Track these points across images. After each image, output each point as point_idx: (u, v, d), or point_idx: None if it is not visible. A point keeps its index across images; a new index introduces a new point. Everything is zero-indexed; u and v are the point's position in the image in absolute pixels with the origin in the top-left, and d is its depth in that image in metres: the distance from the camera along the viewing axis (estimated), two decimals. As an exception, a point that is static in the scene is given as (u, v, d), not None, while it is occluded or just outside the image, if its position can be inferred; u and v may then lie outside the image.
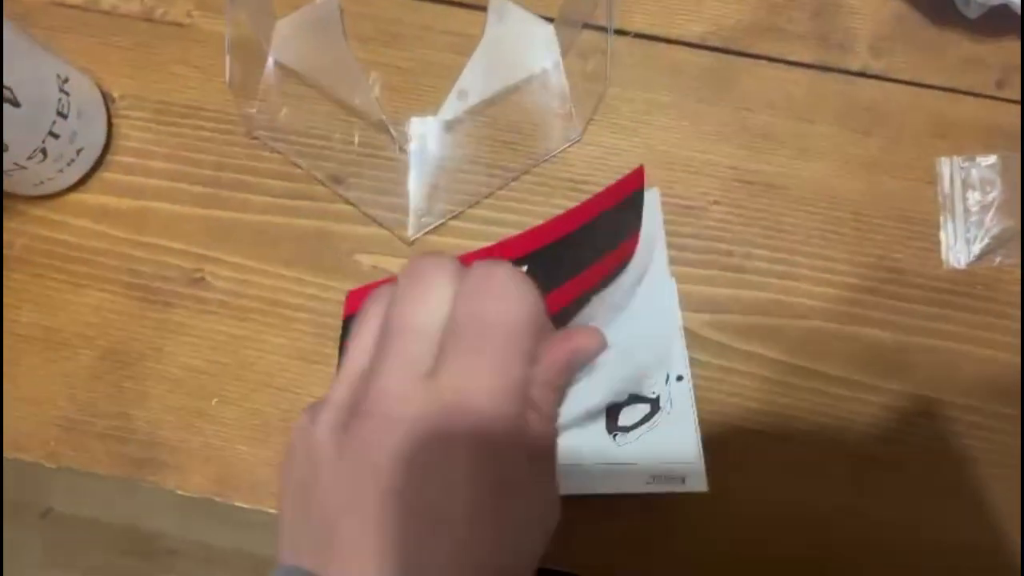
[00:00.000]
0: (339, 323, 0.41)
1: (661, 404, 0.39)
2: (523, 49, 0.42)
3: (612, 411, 0.39)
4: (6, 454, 0.41)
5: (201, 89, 0.43)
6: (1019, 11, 0.40)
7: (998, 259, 0.41)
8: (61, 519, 1.10)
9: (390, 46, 0.43)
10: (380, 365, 0.25)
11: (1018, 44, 0.43)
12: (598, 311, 0.35)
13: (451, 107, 0.41)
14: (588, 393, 0.35)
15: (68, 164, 0.40)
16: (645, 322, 0.38)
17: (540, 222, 0.41)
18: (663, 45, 0.43)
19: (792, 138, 0.42)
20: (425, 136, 0.41)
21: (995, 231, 0.41)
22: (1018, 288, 0.41)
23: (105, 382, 0.41)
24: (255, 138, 0.42)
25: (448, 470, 0.23)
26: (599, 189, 0.42)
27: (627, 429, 0.39)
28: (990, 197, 0.42)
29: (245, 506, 0.40)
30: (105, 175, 0.42)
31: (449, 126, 0.42)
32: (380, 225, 0.41)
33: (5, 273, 0.42)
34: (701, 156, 0.42)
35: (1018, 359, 0.41)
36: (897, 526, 0.40)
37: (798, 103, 0.43)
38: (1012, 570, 0.40)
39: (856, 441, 0.40)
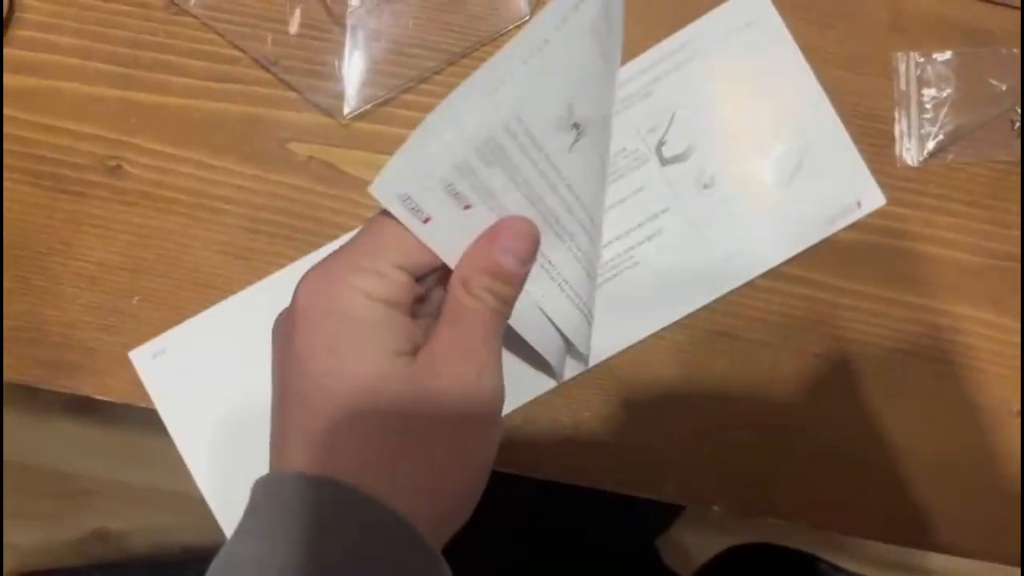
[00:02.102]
0: (271, 216, 0.38)
1: (809, 140, 0.39)
2: (473, -85, 0.39)
3: (766, 171, 0.39)
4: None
5: (114, -43, 0.39)
6: (981, -100, 0.39)
7: (950, 156, 0.41)
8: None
9: (325, -83, 0.40)
10: None
11: (977, -63, 0.42)
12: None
13: (394, -25, 0.38)
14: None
15: (-39, 33, 0.36)
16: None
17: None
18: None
19: (750, 29, 0.41)
20: (363, 8, 0.38)
21: (949, 128, 0.41)
22: (971, 186, 0.41)
23: (13, 279, 0.38)
24: (177, 13, 0.39)
25: None
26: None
27: (788, 180, 0.39)
28: (945, 94, 0.41)
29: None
30: (5, 50, 0.38)
31: (391, -2, 0.39)
32: (316, 107, 0.38)
33: None
34: (654, 46, 0.40)
35: (966, 256, 0.41)
36: (847, 424, 0.40)
37: (756, -8, 0.41)
38: (951, 467, 0.40)
39: (803, 339, 0.40)
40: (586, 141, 0.31)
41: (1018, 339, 0.41)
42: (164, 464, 1.06)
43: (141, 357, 0.37)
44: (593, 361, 0.38)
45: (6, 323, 0.37)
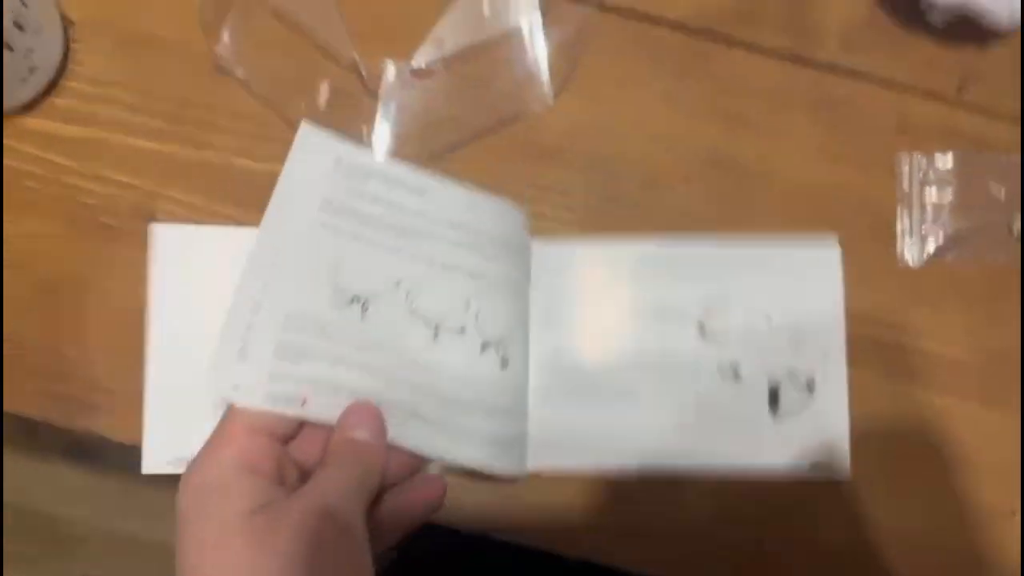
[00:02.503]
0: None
1: (816, 386, 0.40)
2: (504, 4, 0.41)
3: (773, 391, 0.40)
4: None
5: (168, 20, 0.41)
6: (984, 21, 0.42)
7: (950, 257, 0.42)
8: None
9: (367, -5, 0.43)
10: None
11: (977, 52, 0.44)
12: None
13: (425, 53, 0.40)
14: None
15: (20, 82, 0.38)
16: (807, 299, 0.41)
17: (504, 185, 0.41)
18: (642, 24, 0.43)
19: (763, 123, 0.43)
20: (396, 81, 0.41)
21: (949, 230, 0.43)
22: (969, 287, 0.42)
23: (39, 315, 0.39)
24: (221, 75, 0.41)
25: None
26: (568, 158, 0.42)
27: (784, 411, 0.40)
28: (946, 196, 0.43)
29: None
30: (57, 101, 0.40)
31: (421, 74, 0.41)
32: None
33: (-62, 194, 0.39)
34: (673, 133, 0.42)
35: (964, 353, 0.42)
36: (840, 516, 0.40)
37: (770, 90, 0.43)
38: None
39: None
40: (380, 305, 0.36)
41: (1014, 437, 0.41)
42: (153, 516, 1.06)
43: (162, 231, 0.38)
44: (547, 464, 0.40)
45: (30, 359, 0.39)
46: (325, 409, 0.34)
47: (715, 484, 0.40)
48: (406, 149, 0.41)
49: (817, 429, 0.40)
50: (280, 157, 0.40)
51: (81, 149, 0.40)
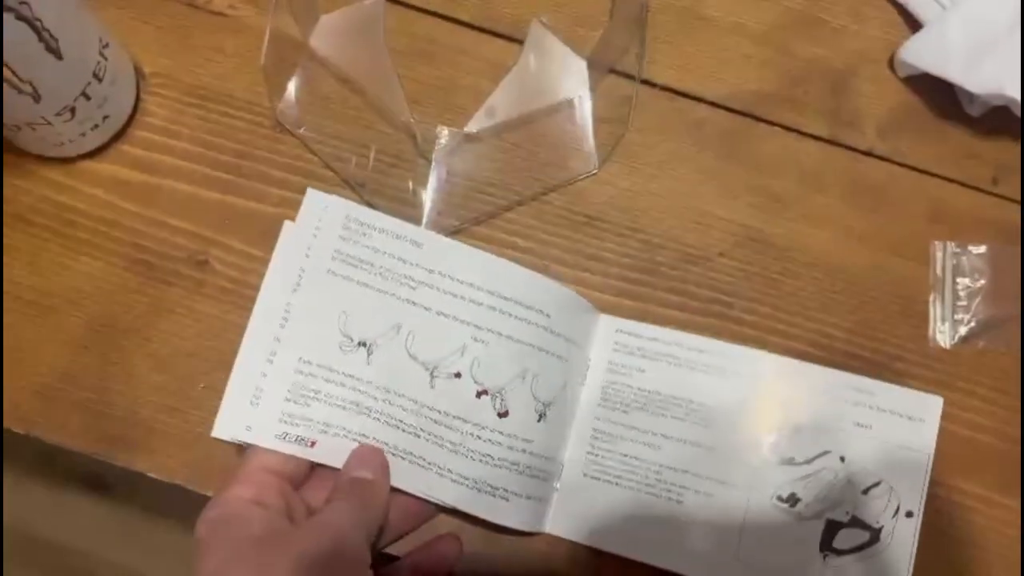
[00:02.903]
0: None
1: (882, 537, 0.39)
2: (555, 77, 0.43)
3: (830, 530, 0.39)
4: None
5: (234, 77, 0.43)
6: (1018, 113, 0.43)
7: (981, 343, 0.43)
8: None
9: (423, 63, 0.44)
10: None
11: (1013, 144, 0.45)
12: None
13: (478, 121, 0.42)
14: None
15: (92, 128, 0.40)
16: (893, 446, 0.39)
17: (546, 250, 0.43)
18: (686, 100, 0.45)
19: (800, 204, 0.44)
20: (449, 146, 0.42)
21: (981, 317, 0.43)
22: (999, 373, 0.43)
23: (90, 353, 0.40)
24: (282, 132, 0.43)
25: None
26: (608, 228, 0.43)
27: (840, 552, 0.39)
28: (978, 284, 0.44)
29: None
30: (124, 147, 0.42)
31: (472, 140, 0.43)
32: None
33: (5, 231, 0.41)
34: (712, 210, 0.44)
35: (987, 438, 0.42)
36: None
37: (808, 173, 0.44)
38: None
39: (835, 503, 0.41)
40: (383, 351, 0.37)
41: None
42: (164, 553, 1.06)
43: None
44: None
45: (77, 395, 0.40)
46: (333, 452, 0.36)
47: None
48: (454, 210, 0.42)
49: None
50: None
51: (143, 194, 0.42)
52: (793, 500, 0.39)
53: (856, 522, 0.39)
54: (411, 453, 0.37)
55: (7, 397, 0.40)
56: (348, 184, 0.42)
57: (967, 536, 0.41)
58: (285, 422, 0.36)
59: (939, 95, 0.45)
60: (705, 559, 0.39)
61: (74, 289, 0.41)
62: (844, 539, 0.39)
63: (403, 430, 0.37)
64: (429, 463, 0.37)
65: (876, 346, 0.43)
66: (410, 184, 0.42)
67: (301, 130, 0.43)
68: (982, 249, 0.44)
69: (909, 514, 0.39)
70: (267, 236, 0.41)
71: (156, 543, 1.03)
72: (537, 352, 0.39)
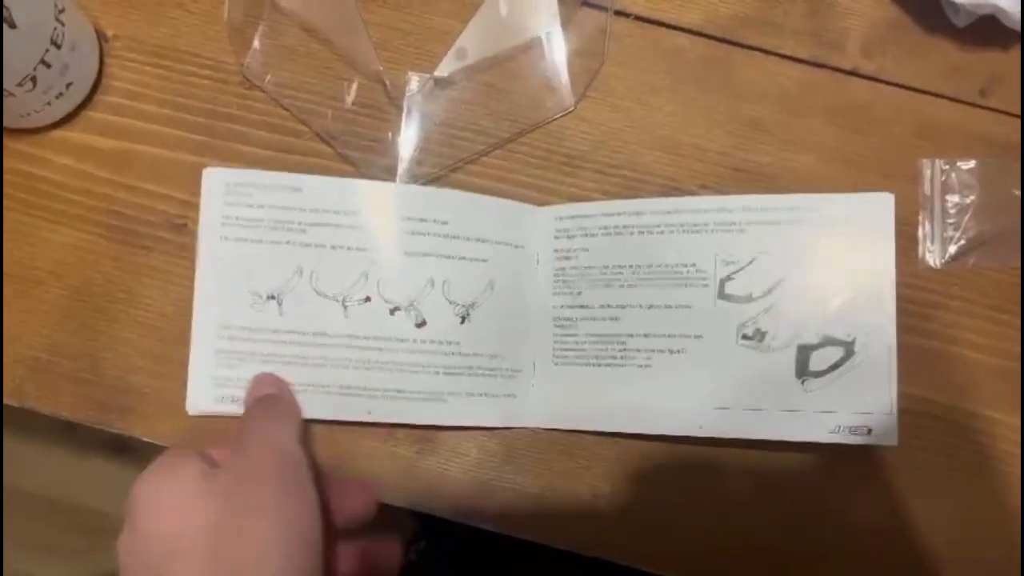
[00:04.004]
0: (321, 279, 0.41)
1: (857, 348, 0.38)
2: (525, 14, 0.42)
3: (803, 355, 0.38)
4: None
5: (198, 35, 0.43)
6: (1005, 21, 0.42)
7: (972, 260, 0.42)
8: (10, 493, 1.07)
9: (390, 7, 0.43)
10: None
11: (1002, 54, 0.44)
12: None
13: (448, 64, 0.41)
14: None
15: (56, 97, 0.39)
16: (850, 256, 0.39)
17: (526, 192, 0.42)
18: (661, 29, 0.44)
19: (783, 130, 0.43)
20: (420, 92, 0.41)
21: (971, 234, 0.42)
22: (993, 290, 0.42)
23: (76, 322, 0.40)
24: (250, 88, 0.42)
25: None
26: (589, 166, 0.42)
27: (818, 374, 0.38)
28: (968, 200, 0.43)
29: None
30: (92, 114, 0.42)
31: (444, 84, 0.42)
32: (371, 179, 0.41)
33: (-20, 206, 0.41)
34: (692, 140, 0.43)
35: (990, 359, 0.42)
36: (873, 527, 0.40)
37: (790, 97, 0.43)
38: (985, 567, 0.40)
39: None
40: (292, 298, 0.40)
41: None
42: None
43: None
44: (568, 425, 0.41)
45: (67, 364, 0.40)
46: None
47: (742, 463, 0.41)
48: (431, 158, 0.42)
49: (857, 394, 0.38)
50: (307, 167, 0.41)
51: (116, 161, 0.41)
52: (759, 335, 0.39)
53: (828, 340, 0.38)
54: (345, 385, 0.39)
55: (-2, 371, 0.40)
56: (321, 138, 0.42)
57: (992, 465, 0.41)
58: (219, 385, 0.39)
59: (923, 8, 0.44)
60: (684, 416, 0.39)
61: (55, 260, 0.41)
62: (819, 360, 0.38)
63: (330, 366, 0.39)
64: (363, 388, 0.39)
65: None
66: (384, 134, 0.42)
67: (269, 85, 0.42)
68: (971, 164, 0.43)
69: (880, 319, 0.38)
70: (243, 195, 0.41)
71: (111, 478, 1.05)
72: (440, 260, 0.40)
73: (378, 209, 0.40)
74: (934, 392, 0.41)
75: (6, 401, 0.40)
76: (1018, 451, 0.41)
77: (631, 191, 0.42)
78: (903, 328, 0.41)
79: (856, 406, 0.38)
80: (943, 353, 0.42)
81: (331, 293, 0.40)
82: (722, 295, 0.39)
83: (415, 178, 0.41)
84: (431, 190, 0.41)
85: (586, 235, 0.41)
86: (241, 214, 0.40)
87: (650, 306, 0.40)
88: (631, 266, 0.41)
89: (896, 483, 0.41)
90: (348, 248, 0.40)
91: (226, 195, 0.40)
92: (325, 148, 0.42)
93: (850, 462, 0.41)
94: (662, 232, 0.40)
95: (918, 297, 0.42)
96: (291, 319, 0.39)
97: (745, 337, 0.39)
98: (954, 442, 0.41)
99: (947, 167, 0.43)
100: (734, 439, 0.39)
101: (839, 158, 0.43)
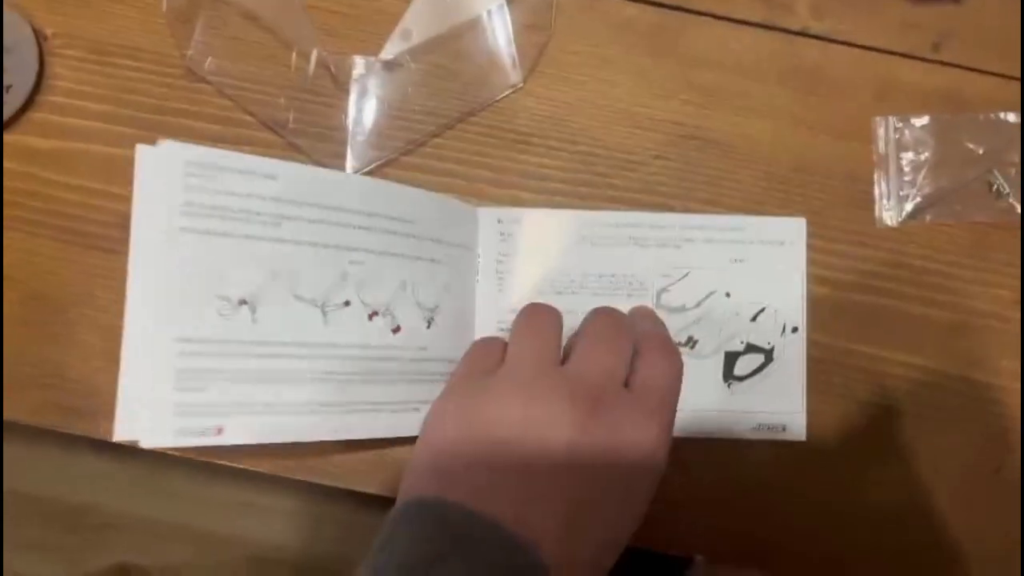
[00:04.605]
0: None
1: (775, 355, 0.41)
2: (467, -8, 0.41)
3: (729, 360, 0.41)
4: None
5: (139, 29, 0.42)
6: (955, -25, 0.41)
7: (929, 217, 0.42)
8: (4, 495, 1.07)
9: (334, -9, 0.43)
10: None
11: (953, 8, 0.44)
12: None
13: (394, 46, 0.41)
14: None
15: (-4, 101, 0.39)
16: (770, 272, 0.42)
17: (477, 172, 0.42)
18: (610, 0, 0.43)
19: (735, 96, 0.43)
20: (366, 76, 0.41)
21: (927, 190, 0.42)
22: (948, 245, 0.42)
23: (33, 328, 0.40)
24: (195, 80, 0.41)
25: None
26: (542, 141, 0.42)
27: (741, 378, 0.42)
28: (923, 157, 0.43)
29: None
30: (35, 115, 0.41)
31: (390, 67, 0.41)
32: (319, 165, 0.41)
33: (-72, 215, 0.40)
34: (644, 111, 0.43)
35: (945, 313, 0.42)
36: (836, 486, 0.41)
37: (742, 62, 0.43)
38: (937, 528, 0.41)
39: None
40: (267, 303, 0.34)
41: (1000, 396, 0.42)
42: (184, 501, 1.09)
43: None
44: None
45: (29, 370, 0.40)
46: (246, 431, 0.34)
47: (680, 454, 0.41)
48: (381, 142, 0.41)
49: (773, 396, 0.41)
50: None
51: (61, 161, 0.41)
52: (692, 342, 0.42)
53: (751, 348, 0.42)
54: (324, 401, 0.36)
55: (-42, 381, 0.40)
56: (268, 127, 0.41)
57: (951, 420, 0.42)
58: (182, 414, 0.33)
59: (872, -37, 0.43)
60: None
61: (9, 266, 0.40)
62: (743, 365, 0.42)
63: (308, 380, 0.35)
64: (342, 403, 0.36)
65: (824, 232, 0.42)
66: (332, 120, 0.41)
67: (213, 76, 0.41)
68: (925, 120, 0.43)
69: (795, 329, 0.42)
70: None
71: (167, 492, 1.06)
72: (411, 261, 0.38)
73: (357, 202, 0.37)
74: (889, 350, 0.42)
75: (-31, 410, 0.40)
76: (968, 403, 0.42)
77: (585, 165, 0.42)
78: (860, 288, 0.41)
79: (773, 406, 0.41)
80: (901, 312, 0.42)
81: (310, 297, 0.35)
82: (659, 305, 0.42)
83: (367, 163, 0.41)
84: (397, 188, 0.38)
85: (530, 241, 0.41)
86: (205, 201, 0.33)
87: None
88: (574, 274, 0.42)
89: (853, 444, 0.41)
90: (327, 246, 0.36)
91: (186, 176, 0.33)
92: (274, 137, 0.41)
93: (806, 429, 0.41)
94: (607, 243, 0.42)
95: (875, 256, 0.42)
96: (265, 328, 0.34)
97: (679, 344, 0.42)
98: (908, 398, 0.42)
99: (900, 124, 0.43)
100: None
101: (794, 121, 0.43)
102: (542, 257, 0.41)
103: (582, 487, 0.32)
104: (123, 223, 0.40)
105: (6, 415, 0.40)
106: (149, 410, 0.32)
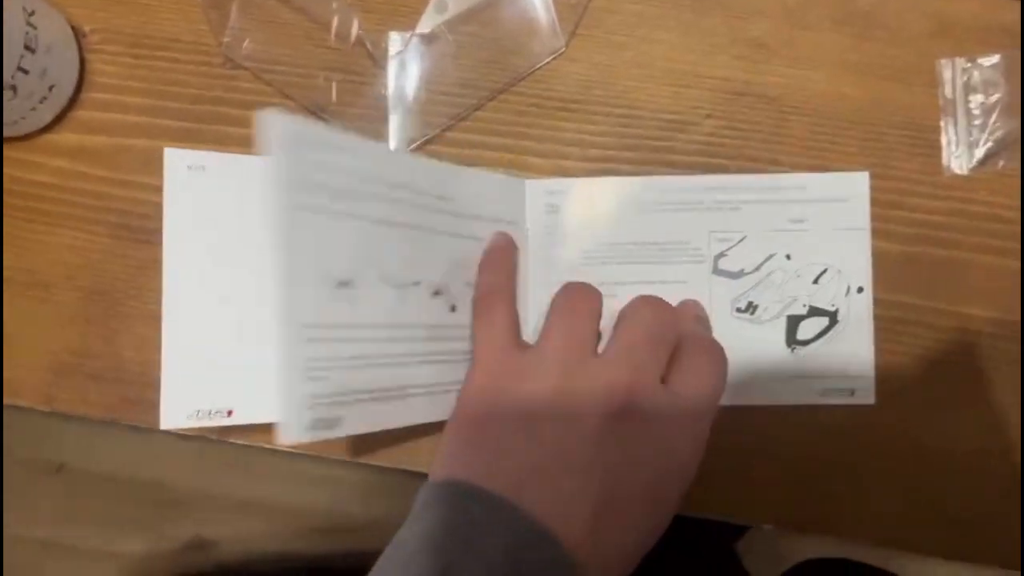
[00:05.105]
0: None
1: (839, 317, 0.40)
2: (502, -42, 0.40)
3: (792, 324, 0.40)
4: (5, 399, 0.41)
5: (175, 20, 0.41)
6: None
7: (1001, 163, 0.40)
8: (74, 474, 1.11)
9: (366, -33, 0.42)
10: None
11: (1021, -63, 0.41)
12: None
13: (429, 19, 0.40)
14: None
15: (40, 102, 0.39)
16: (832, 231, 0.40)
17: (520, 144, 0.41)
18: (650, -46, 0.41)
19: (787, 47, 0.41)
20: (404, 51, 0.40)
21: (999, 134, 0.40)
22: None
23: (93, 323, 0.41)
24: (233, 67, 0.41)
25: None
26: (585, 108, 0.41)
27: (805, 342, 0.40)
28: (993, 98, 0.40)
29: (240, 443, 0.40)
30: (79, 113, 0.41)
31: (428, 40, 0.40)
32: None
33: (-15, 218, 0.41)
34: (692, 69, 0.41)
35: (1019, 263, 0.40)
36: (908, 451, 0.39)
37: (791, 9, 0.41)
38: (1015, 473, 0.39)
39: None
40: (365, 285, 0.33)
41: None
42: (255, 475, 1.11)
43: (174, 159, 0.39)
44: None
45: (89, 366, 0.41)
46: (363, 421, 0.33)
47: (747, 421, 0.40)
48: (424, 118, 0.40)
49: (840, 360, 0.40)
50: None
51: (109, 157, 0.41)
52: (752, 308, 0.40)
53: (814, 311, 0.40)
54: (415, 385, 0.36)
55: (23, 378, 0.41)
56: (309, 111, 0.41)
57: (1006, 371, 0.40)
58: (313, 406, 0.31)
59: None
60: None
61: (63, 263, 0.41)
62: (807, 329, 0.40)
63: (401, 364, 0.35)
64: (422, 385, 0.36)
65: (888, 185, 0.40)
66: (371, 99, 0.41)
67: (250, 62, 0.41)
68: (995, 59, 0.40)
69: (860, 290, 0.40)
70: (238, 179, 0.41)
71: (238, 466, 1.08)
72: (458, 240, 0.38)
73: (419, 182, 0.36)
74: (959, 303, 0.40)
75: (36, 407, 0.41)
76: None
77: (632, 129, 0.41)
78: (928, 241, 0.39)
79: (840, 370, 0.40)
80: (972, 264, 0.40)
81: (395, 277, 0.35)
82: (716, 271, 0.40)
83: (409, 140, 0.40)
84: (448, 166, 0.38)
85: (579, 211, 0.40)
86: (322, 180, 0.32)
87: (646, 283, 0.40)
88: (626, 243, 0.40)
89: (919, 398, 0.40)
90: (403, 225, 0.35)
91: (304, 151, 0.31)
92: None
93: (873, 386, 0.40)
94: (657, 210, 0.40)
95: (943, 207, 0.40)
96: (363, 310, 0.33)
97: (738, 310, 0.40)
98: (977, 351, 0.40)
99: (968, 65, 0.40)
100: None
101: (849, 70, 0.41)
102: (593, 228, 0.40)
103: (609, 486, 0.31)
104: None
105: (72, 410, 0.41)
106: (286, 405, 0.31)
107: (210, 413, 0.38)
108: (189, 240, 0.39)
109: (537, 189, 0.40)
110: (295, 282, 0.31)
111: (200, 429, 0.39)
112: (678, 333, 0.35)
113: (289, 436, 0.30)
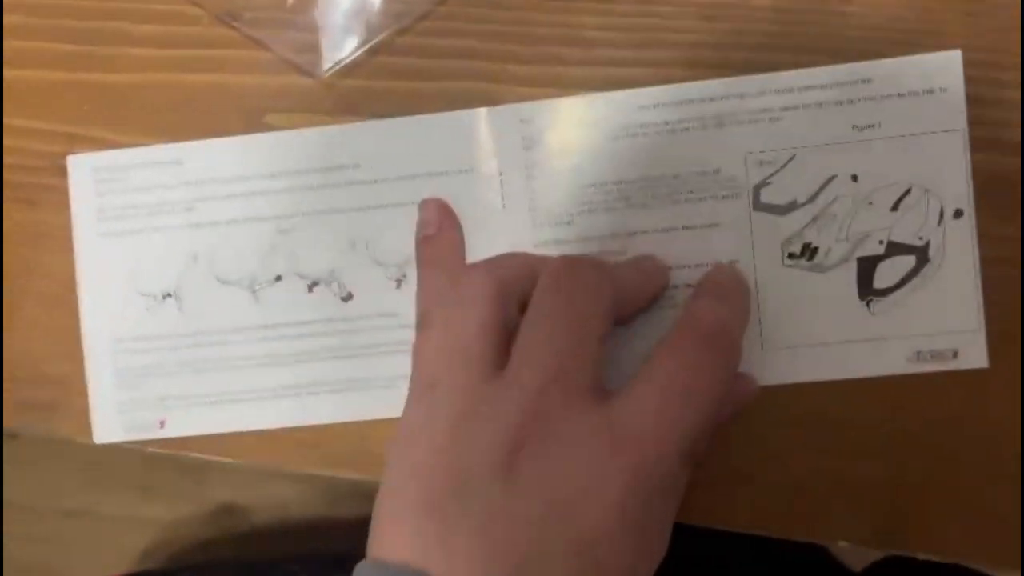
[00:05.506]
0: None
1: (931, 254, 0.32)
2: None
3: (865, 269, 0.32)
4: None
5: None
6: None
7: None
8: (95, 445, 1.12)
9: None
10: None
11: None
12: None
13: None
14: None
15: None
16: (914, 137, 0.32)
17: (504, 47, 0.32)
18: None
19: None
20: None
21: None
22: None
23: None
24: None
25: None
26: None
27: (884, 292, 0.32)
28: None
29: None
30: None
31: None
32: (292, 66, 0.32)
33: None
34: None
35: None
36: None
37: None
38: None
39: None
40: (190, 291, 0.34)
41: None
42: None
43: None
44: None
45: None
46: (185, 424, 0.34)
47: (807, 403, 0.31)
48: (366, 20, 0.32)
49: (936, 311, 0.32)
50: (212, 62, 0.33)
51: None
52: (809, 251, 0.32)
53: (895, 247, 0.32)
54: (271, 387, 0.34)
55: None
56: (222, 21, 0.32)
57: None
58: (124, 411, 0.34)
59: None
60: None
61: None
62: (886, 274, 0.32)
63: (248, 366, 0.34)
64: (292, 387, 0.34)
65: (988, 73, 0.30)
66: (299, 2, 0.32)
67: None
68: None
69: (958, 213, 0.31)
70: (138, 115, 0.34)
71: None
72: (361, 213, 0.34)
73: (277, 166, 0.34)
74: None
75: None
76: None
77: (644, 19, 0.31)
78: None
79: (937, 325, 0.32)
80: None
81: (235, 278, 0.34)
82: (758, 206, 0.32)
83: (347, 51, 0.31)
84: (334, 129, 0.33)
85: (568, 142, 0.32)
86: (116, 203, 0.34)
87: (666, 229, 0.32)
88: (636, 180, 0.32)
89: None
90: (247, 220, 0.34)
91: (96, 183, 0.34)
92: (229, 33, 0.32)
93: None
94: (672, 131, 0.32)
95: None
96: (192, 317, 0.34)
97: (791, 256, 0.32)
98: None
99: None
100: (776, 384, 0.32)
101: None
102: (588, 163, 0.32)
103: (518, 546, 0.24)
104: (56, 167, 0.34)
105: None
106: (98, 408, 0.34)
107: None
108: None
109: (507, 118, 0.32)
110: (106, 300, 0.34)
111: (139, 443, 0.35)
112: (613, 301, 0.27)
113: (105, 436, 0.34)
